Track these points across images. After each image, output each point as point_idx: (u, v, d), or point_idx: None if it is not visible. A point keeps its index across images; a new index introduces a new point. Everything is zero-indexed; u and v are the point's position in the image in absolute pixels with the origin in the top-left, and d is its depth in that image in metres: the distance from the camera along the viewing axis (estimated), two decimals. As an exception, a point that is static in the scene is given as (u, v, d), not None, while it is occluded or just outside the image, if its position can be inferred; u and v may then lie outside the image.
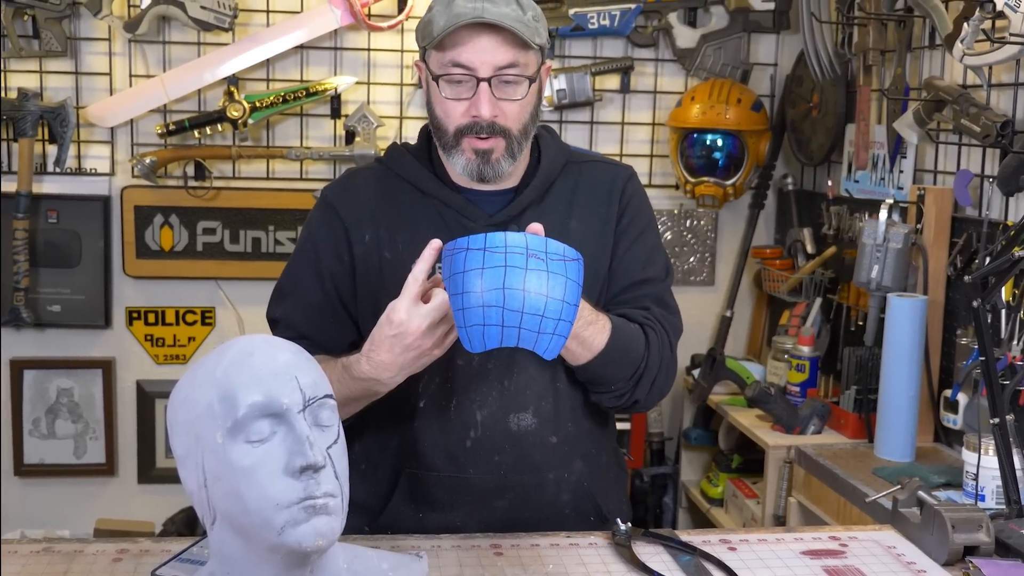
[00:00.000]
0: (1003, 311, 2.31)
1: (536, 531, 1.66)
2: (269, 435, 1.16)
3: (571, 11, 3.32)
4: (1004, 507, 1.79)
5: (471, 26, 1.58)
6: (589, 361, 1.64)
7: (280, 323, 1.76)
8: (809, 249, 3.34)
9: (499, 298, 1.36)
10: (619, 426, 3.34)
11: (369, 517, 1.73)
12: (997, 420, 1.75)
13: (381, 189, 1.74)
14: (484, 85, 1.61)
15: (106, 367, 3.37)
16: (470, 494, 1.70)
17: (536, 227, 1.48)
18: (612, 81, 3.45)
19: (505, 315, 1.37)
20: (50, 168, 3.23)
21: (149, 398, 3.41)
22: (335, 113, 3.31)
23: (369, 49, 3.32)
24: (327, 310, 1.73)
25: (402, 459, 1.73)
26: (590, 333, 1.61)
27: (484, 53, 1.60)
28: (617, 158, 3.42)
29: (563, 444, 1.74)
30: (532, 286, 1.37)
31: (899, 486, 1.76)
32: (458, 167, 1.67)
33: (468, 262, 1.38)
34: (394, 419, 1.72)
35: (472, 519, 1.70)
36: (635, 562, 1.52)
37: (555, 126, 3.41)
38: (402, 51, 3.32)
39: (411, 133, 3.31)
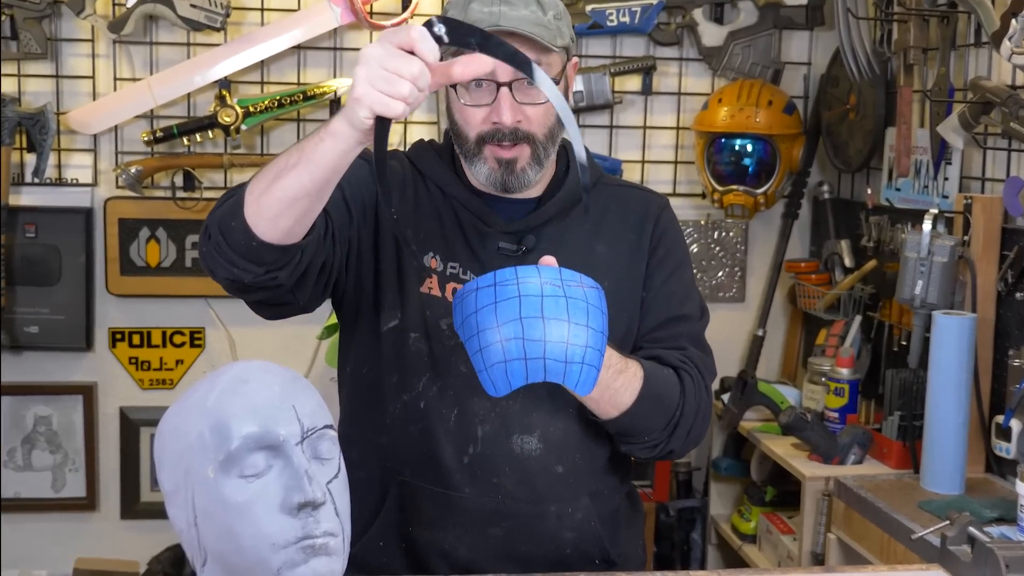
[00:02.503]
0: (1059, 330, 2.30)
1: (533, 568, 1.65)
2: (265, 469, 1.16)
3: (588, 8, 3.32)
4: (1063, 544, 1.78)
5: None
6: (621, 414, 1.63)
7: None
8: (847, 263, 3.33)
9: (517, 329, 1.34)
10: (642, 455, 3.33)
11: (355, 534, 1.72)
12: (1054, 449, 1.74)
13: (409, 174, 1.78)
14: (504, 90, 1.62)
15: (87, 393, 3.38)
16: (463, 515, 1.70)
17: (548, 259, 1.49)
18: (633, 82, 3.45)
19: (527, 346, 1.34)
20: (28, 178, 3.25)
21: (133, 426, 3.41)
22: (334, 118, 3.32)
23: (371, 49, 3.34)
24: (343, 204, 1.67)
25: (396, 465, 1.72)
26: (621, 383, 1.61)
27: None
28: (639, 164, 3.47)
29: (568, 475, 1.73)
30: (551, 312, 1.34)
31: (948, 521, 1.75)
32: (481, 176, 1.69)
33: (480, 300, 1.37)
34: (392, 418, 1.72)
35: (462, 543, 1.70)
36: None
37: (571, 131, 3.42)
38: (406, 51, 3.33)
39: (414, 137, 3.31)
